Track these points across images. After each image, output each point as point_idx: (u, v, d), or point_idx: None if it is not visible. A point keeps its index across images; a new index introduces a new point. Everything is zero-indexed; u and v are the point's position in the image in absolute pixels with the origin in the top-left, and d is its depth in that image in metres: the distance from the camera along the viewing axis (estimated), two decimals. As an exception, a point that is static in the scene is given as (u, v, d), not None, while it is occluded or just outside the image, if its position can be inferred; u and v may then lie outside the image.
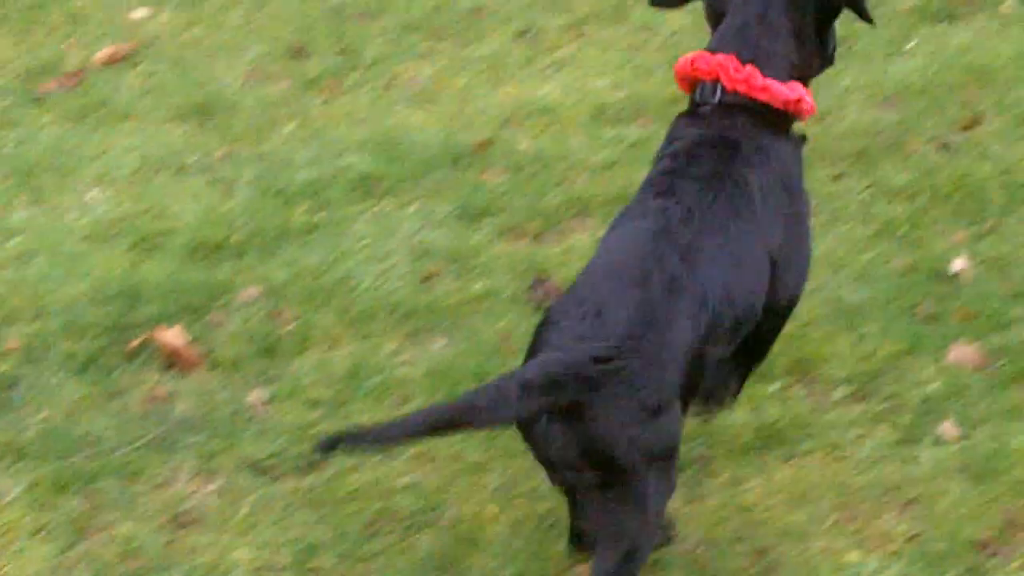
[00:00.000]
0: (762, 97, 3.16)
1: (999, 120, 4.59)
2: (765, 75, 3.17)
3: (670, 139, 3.24)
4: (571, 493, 3.14)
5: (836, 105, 4.68)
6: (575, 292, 3.05)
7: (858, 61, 5.00)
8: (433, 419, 2.95)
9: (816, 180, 4.13)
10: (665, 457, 2.98)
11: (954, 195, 4.22)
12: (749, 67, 3.17)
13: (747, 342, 3.17)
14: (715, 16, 3.30)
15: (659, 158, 3.22)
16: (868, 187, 4.27)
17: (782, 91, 3.17)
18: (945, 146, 4.48)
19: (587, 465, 2.93)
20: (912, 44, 5.09)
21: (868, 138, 4.49)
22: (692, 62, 3.21)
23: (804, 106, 3.19)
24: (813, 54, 3.26)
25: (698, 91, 3.22)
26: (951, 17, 5.21)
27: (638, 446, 2.92)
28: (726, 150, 3.14)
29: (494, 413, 2.88)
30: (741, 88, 3.17)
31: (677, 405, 2.98)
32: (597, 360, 2.88)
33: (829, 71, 3.33)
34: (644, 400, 2.91)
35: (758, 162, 3.14)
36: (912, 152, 4.46)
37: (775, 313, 3.20)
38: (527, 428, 2.97)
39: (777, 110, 3.18)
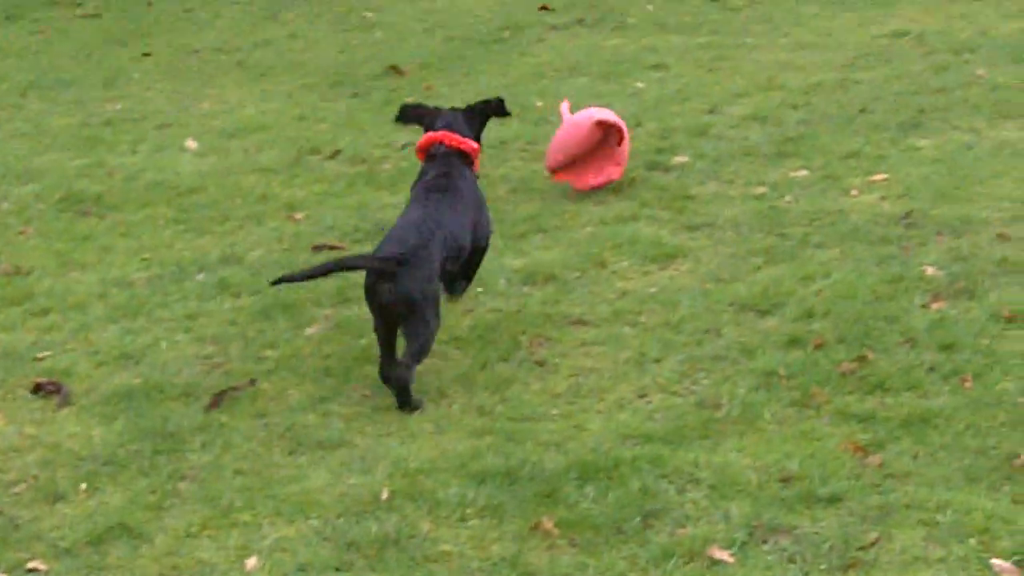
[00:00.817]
0: (465, 148, 6.57)
1: None
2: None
3: (422, 172, 6.55)
4: (386, 339, 5.98)
5: None
6: (391, 232, 6.12)
7: None
8: (332, 263, 6.09)
9: None
10: (435, 302, 5.96)
11: None
12: (458, 136, 6.58)
13: (466, 264, 6.50)
14: (426, 126, 6.66)
15: (418, 182, 6.51)
16: None
17: (472, 146, 6.60)
18: None
19: (399, 305, 5.86)
20: None
21: None
22: (428, 138, 6.56)
23: (477, 157, 6.65)
24: (477, 136, 6.73)
25: (433, 147, 6.56)
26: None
27: (425, 295, 5.91)
28: (448, 176, 6.46)
29: (363, 263, 6.08)
30: (456, 144, 6.56)
31: (438, 280, 6.03)
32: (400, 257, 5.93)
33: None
34: (426, 274, 5.94)
35: (463, 180, 6.49)
36: None
37: (477, 249, 6.55)
38: (371, 287, 5.94)
39: (469, 156, 6.60)
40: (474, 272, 6.74)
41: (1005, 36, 11.21)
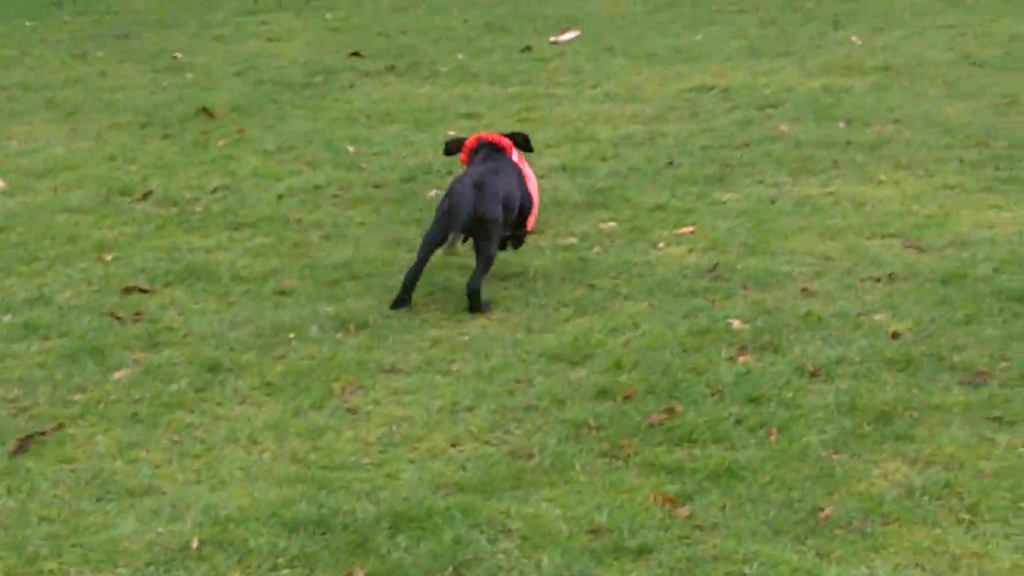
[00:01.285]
0: (500, 143, 7.89)
1: None
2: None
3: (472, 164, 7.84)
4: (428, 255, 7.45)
5: None
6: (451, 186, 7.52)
7: None
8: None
9: None
10: (500, 225, 7.46)
11: None
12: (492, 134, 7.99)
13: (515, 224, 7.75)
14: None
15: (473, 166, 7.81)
16: None
17: (506, 142, 7.90)
18: None
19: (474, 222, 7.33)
20: None
21: None
22: (474, 139, 7.96)
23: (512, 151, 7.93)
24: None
25: (477, 145, 7.94)
26: None
27: (495, 216, 7.38)
28: (492, 157, 7.79)
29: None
30: (492, 139, 7.90)
31: (501, 210, 7.45)
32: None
33: None
34: (495, 198, 7.40)
35: (504, 159, 7.81)
36: None
37: (523, 210, 7.73)
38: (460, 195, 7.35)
39: (504, 148, 7.85)
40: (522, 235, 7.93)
41: (807, 93, 11.54)
